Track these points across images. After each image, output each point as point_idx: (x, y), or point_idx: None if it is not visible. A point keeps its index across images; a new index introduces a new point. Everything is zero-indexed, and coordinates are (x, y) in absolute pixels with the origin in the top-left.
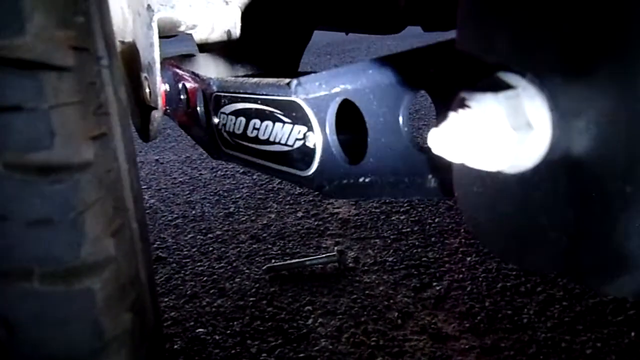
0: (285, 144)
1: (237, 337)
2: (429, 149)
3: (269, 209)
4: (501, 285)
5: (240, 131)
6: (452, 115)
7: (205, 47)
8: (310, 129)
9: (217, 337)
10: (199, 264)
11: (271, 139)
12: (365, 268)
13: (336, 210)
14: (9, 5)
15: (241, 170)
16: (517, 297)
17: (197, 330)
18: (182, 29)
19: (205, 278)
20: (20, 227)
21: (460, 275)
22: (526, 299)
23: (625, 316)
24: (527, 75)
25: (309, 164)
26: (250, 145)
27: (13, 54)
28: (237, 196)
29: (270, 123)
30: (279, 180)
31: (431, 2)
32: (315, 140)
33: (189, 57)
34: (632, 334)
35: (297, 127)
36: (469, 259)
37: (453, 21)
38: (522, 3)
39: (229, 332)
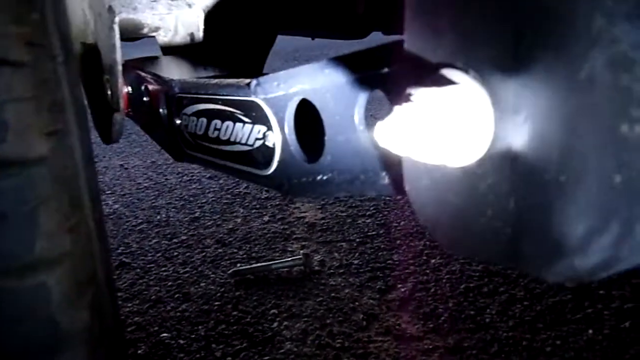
0: (246, 144)
1: (202, 341)
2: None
3: (235, 214)
4: (464, 287)
5: (202, 132)
6: (396, 109)
7: (169, 50)
8: (269, 128)
9: (181, 342)
10: (163, 269)
11: (232, 139)
12: (331, 271)
13: (303, 214)
14: None
15: (207, 175)
16: (480, 298)
17: (162, 335)
18: (145, 31)
19: (169, 283)
20: None
21: (425, 277)
22: (489, 300)
23: (583, 314)
24: (470, 72)
25: (268, 163)
26: (211, 145)
27: None
28: (203, 201)
29: (230, 123)
30: (246, 185)
31: (389, 7)
32: (274, 139)
33: (151, 59)
34: (590, 331)
35: (257, 127)
36: (433, 261)
37: None
38: (463, 2)
39: (193, 336)
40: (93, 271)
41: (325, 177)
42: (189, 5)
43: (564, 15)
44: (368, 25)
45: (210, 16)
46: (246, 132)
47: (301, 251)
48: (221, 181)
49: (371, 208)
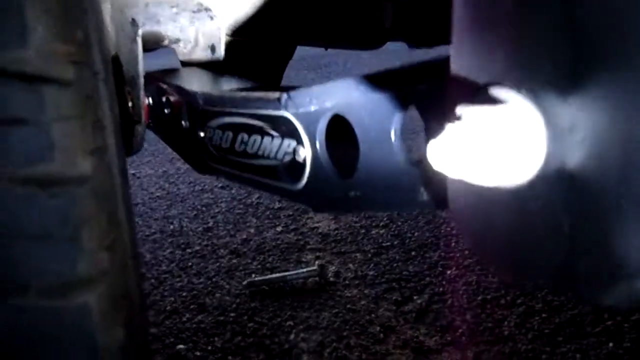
0: (274, 158)
1: (219, 353)
2: (421, 163)
3: (248, 224)
4: (481, 298)
5: (228, 145)
6: (448, 129)
7: (189, 62)
8: (300, 143)
9: (198, 354)
10: (178, 279)
11: (259, 153)
12: (347, 282)
13: (316, 225)
14: (12, 19)
15: (219, 185)
16: (498, 310)
17: (178, 347)
18: (165, 43)
19: (184, 293)
20: (19, 241)
21: (441, 289)
22: (506, 311)
23: (603, 327)
24: (522, 91)
25: (298, 178)
26: (237, 159)
27: (16, 67)
28: (216, 211)
29: (258, 137)
30: (258, 195)
31: (416, 22)
32: (305, 154)
33: (172, 71)
34: (610, 344)
35: (287, 141)
36: (449, 272)
37: (438, 38)
38: (516, 20)
39: (210, 348)
40: (127, 288)
41: (359, 193)
42: (211, 18)
43: (625, 34)
44: (389, 37)
45: (232, 29)
46: (275, 147)
47: (316, 262)
48: (233, 191)
49: (385, 219)
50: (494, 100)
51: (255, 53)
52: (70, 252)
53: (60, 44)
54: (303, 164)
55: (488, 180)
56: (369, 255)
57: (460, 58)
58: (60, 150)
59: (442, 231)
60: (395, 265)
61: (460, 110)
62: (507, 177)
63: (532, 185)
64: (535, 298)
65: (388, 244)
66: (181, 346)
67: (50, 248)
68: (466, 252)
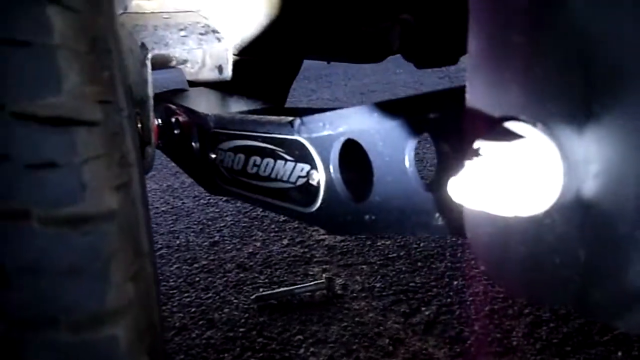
0: (287, 181)
1: None
2: (436, 189)
3: (254, 237)
4: (489, 309)
5: (240, 167)
6: (468, 164)
7: (196, 82)
8: (313, 167)
9: None
10: (186, 294)
11: (272, 176)
12: (354, 295)
13: (322, 237)
14: (46, 66)
15: (224, 199)
16: (505, 320)
17: None
18: (172, 64)
19: (193, 309)
20: (51, 279)
21: (448, 300)
22: (514, 322)
23: (611, 336)
24: (538, 125)
25: (312, 201)
26: (250, 181)
27: (50, 112)
28: (222, 225)
29: (271, 160)
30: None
31: (423, 44)
32: (318, 177)
33: (180, 91)
34: (619, 353)
35: (300, 165)
36: (455, 282)
37: (443, 60)
38: (531, 55)
39: None
40: (151, 316)
41: (373, 217)
42: (219, 40)
43: (638, 70)
44: (391, 54)
45: (240, 49)
46: (288, 170)
47: (323, 275)
48: (238, 205)
49: None
50: (511, 135)
51: (262, 71)
52: (99, 286)
53: (90, 86)
54: (317, 188)
55: (507, 211)
56: (376, 267)
57: (476, 91)
58: (91, 190)
59: (448, 242)
60: (402, 276)
61: (478, 144)
62: (525, 208)
63: (549, 215)
64: (542, 308)
65: (394, 255)
66: None
67: (80, 283)
68: (472, 262)
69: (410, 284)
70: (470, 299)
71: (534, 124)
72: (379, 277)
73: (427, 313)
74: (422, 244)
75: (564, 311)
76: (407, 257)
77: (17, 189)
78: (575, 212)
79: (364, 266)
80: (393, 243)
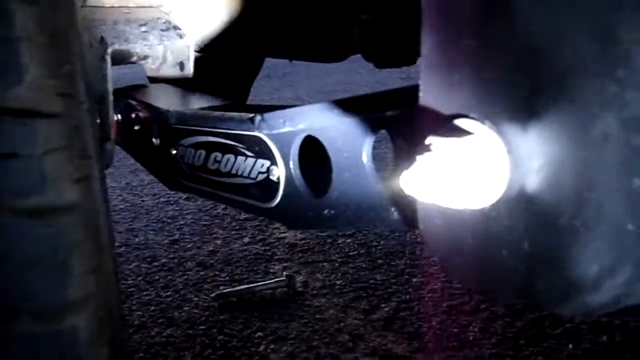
0: (248, 177)
1: None
2: (391, 184)
3: (214, 235)
4: (446, 305)
5: (200, 163)
6: (419, 159)
7: (157, 78)
8: (273, 162)
9: None
10: (145, 292)
11: (233, 172)
12: (315, 292)
13: (283, 235)
14: (8, 58)
15: (184, 197)
16: (462, 315)
17: None
18: (133, 59)
19: (152, 307)
20: (12, 270)
21: (407, 296)
22: (471, 317)
23: (562, 329)
24: (486, 122)
25: (272, 197)
26: (210, 177)
27: (11, 103)
28: (182, 223)
29: (232, 156)
30: (224, 206)
31: (381, 45)
32: (278, 173)
33: (140, 87)
34: (570, 346)
35: (260, 161)
36: (414, 280)
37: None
38: (480, 56)
39: None
40: (111, 308)
41: (332, 212)
42: (180, 36)
43: (581, 77)
44: (351, 53)
45: (201, 46)
46: (248, 166)
47: (284, 272)
48: (199, 202)
49: (350, 228)
50: (461, 131)
51: (224, 68)
52: (61, 278)
53: (50, 79)
54: (277, 183)
55: (457, 204)
56: (336, 264)
57: (429, 89)
58: (51, 182)
59: (408, 239)
60: (362, 273)
61: (430, 140)
62: (474, 201)
63: (496, 208)
64: (497, 304)
65: (354, 252)
66: None
67: (42, 275)
68: (431, 260)
69: (371, 281)
70: (429, 295)
71: (483, 121)
72: (339, 274)
73: (386, 309)
74: (382, 242)
75: (519, 306)
76: (367, 254)
77: None
78: (520, 205)
79: (324, 264)
80: (353, 241)
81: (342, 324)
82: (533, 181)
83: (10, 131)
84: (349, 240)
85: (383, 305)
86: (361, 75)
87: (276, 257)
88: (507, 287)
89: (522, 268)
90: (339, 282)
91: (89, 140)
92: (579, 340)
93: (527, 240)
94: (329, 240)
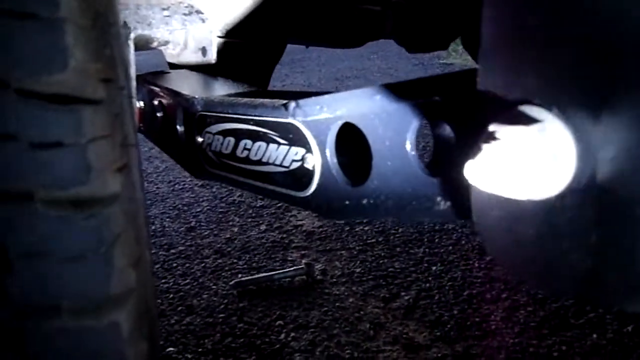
0: (281, 165)
1: (209, 355)
2: (437, 173)
3: (231, 222)
4: (467, 293)
5: (229, 151)
6: (484, 147)
7: (178, 64)
8: (308, 150)
9: (188, 356)
10: (163, 280)
11: (264, 160)
12: (334, 280)
13: (300, 222)
14: (53, 41)
15: (200, 184)
16: (484, 304)
17: (168, 350)
18: (154, 45)
19: (171, 295)
20: (54, 264)
21: (428, 285)
22: (492, 306)
23: (586, 319)
24: (553, 110)
25: (306, 185)
26: (239, 165)
27: (56, 90)
28: (198, 210)
29: (263, 144)
30: (240, 193)
31: (415, 29)
32: (314, 162)
33: (162, 73)
34: (594, 335)
35: (294, 149)
36: (434, 268)
37: (435, 44)
38: (549, 41)
39: (200, 350)
40: (149, 302)
41: (371, 201)
42: (203, 20)
43: None
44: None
45: (224, 31)
46: (281, 154)
47: (302, 260)
48: (214, 190)
49: None
50: (527, 118)
51: (247, 54)
52: (103, 271)
53: (94, 64)
54: (312, 172)
55: (520, 194)
56: (355, 252)
57: (489, 74)
58: (95, 171)
59: (426, 227)
60: (381, 262)
61: (493, 127)
62: (539, 191)
63: (561, 198)
64: (519, 292)
65: (373, 240)
66: (171, 349)
67: (85, 268)
68: (450, 247)
69: (390, 269)
70: (449, 283)
71: (549, 108)
72: (358, 262)
73: (406, 298)
74: (400, 230)
75: (541, 295)
76: (385, 242)
77: (21, 169)
78: (590, 195)
79: (342, 251)
80: (371, 229)
81: (362, 313)
82: (605, 171)
83: (54, 119)
84: (366, 228)
85: (403, 293)
86: (373, 61)
87: (293, 244)
88: (569, 281)
89: (588, 261)
90: (357, 270)
91: (129, 127)
92: (604, 330)
93: (596, 233)
94: (347, 228)
